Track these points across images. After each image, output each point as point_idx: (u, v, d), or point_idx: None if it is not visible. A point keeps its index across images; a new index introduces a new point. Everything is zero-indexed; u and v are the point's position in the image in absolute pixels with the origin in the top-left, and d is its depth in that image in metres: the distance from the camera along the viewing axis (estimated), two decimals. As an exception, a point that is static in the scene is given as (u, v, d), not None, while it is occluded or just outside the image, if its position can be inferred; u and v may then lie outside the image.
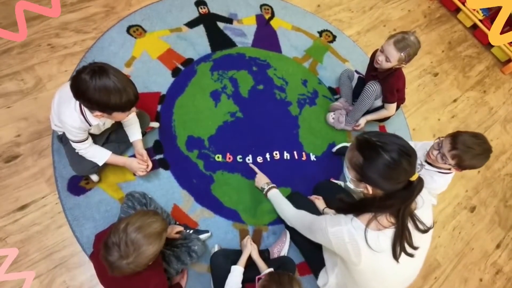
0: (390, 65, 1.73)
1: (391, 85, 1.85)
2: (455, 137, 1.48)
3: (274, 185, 1.62)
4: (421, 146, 1.74)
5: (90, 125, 1.31)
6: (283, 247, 1.56)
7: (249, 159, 1.81)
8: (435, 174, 1.60)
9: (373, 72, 1.87)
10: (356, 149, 1.07)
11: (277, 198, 1.53)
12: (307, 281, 1.57)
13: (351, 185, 1.16)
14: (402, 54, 1.67)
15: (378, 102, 1.96)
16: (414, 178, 1.00)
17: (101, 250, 1.00)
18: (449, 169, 1.57)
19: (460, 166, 1.50)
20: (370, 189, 1.08)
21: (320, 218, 1.19)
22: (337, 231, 1.09)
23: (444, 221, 2.03)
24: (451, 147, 1.48)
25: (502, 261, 2.02)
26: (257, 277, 1.35)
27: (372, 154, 1.01)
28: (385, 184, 1.03)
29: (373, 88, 1.84)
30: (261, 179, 1.67)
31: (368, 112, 2.01)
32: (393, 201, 1.02)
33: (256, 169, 1.75)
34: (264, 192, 1.61)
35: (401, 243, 1.03)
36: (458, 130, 1.52)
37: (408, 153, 0.99)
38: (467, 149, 1.45)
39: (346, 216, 1.10)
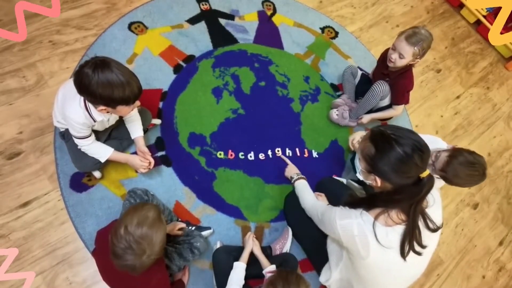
0: (405, 62, 1.71)
1: (402, 87, 1.83)
2: (450, 160, 1.42)
3: (304, 176, 1.63)
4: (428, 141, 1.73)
5: (94, 121, 1.31)
6: (285, 244, 1.56)
7: (251, 156, 1.81)
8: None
9: (384, 70, 1.84)
10: (369, 140, 1.07)
11: (302, 188, 1.53)
12: (309, 278, 1.55)
13: (360, 177, 1.17)
14: (415, 48, 1.64)
15: (383, 103, 1.95)
16: (424, 174, 1.00)
17: (113, 261, 0.99)
18: None
19: (447, 183, 1.50)
20: (379, 182, 1.07)
21: (330, 210, 1.20)
22: (346, 223, 1.09)
23: (447, 218, 2.02)
24: (442, 167, 1.45)
25: (505, 258, 2.01)
26: (265, 272, 1.35)
27: (385, 146, 1.02)
28: (395, 177, 1.02)
29: (381, 89, 1.82)
30: (292, 170, 1.69)
31: (371, 110, 2.00)
32: (401, 196, 1.02)
33: (287, 160, 1.78)
34: (292, 181, 1.62)
35: (410, 240, 1.02)
36: (459, 149, 1.46)
37: (421, 149, 0.99)
38: (455, 177, 1.42)
39: (356, 210, 1.10)
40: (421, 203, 1.03)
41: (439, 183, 1.56)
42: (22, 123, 1.60)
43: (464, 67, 2.70)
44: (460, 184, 1.48)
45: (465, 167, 1.40)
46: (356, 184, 1.80)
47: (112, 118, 1.44)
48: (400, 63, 1.72)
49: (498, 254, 2.02)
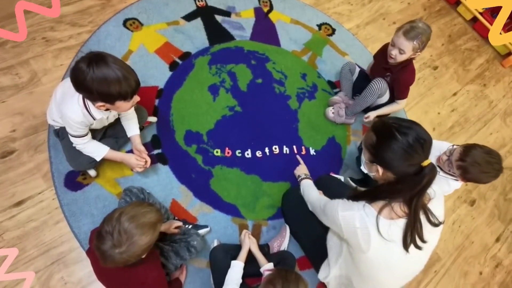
0: (405, 57, 1.70)
1: (405, 81, 1.83)
2: (467, 149, 1.44)
3: (311, 177, 1.64)
4: (434, 145, 1.71)
5: (94, 119, 1.28)
6: (283, 242, 1.55)
7: (248, 154, 1.79)
8: (449, 179, 1.55)
9: (385, 65, 1.83)
10: (371, 130, 1.10)
11: (308, 185, 1.55)
12: (307, 275, 1.56)
13: (364, 170, 1.20)
14: (415, 42, 1.64)
15: (381, 100, 1.93)
16: (426, 163, 1.00)
17: (94, 239, 0.98)
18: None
19: (465, 177, 1.48)
20: (380, 171, 1.08)
21: (333, 201, 1.20)
22: (348, 215, 1.09)
23: (444, 215, 2.02)
24: (459, 157, 1.45)
25: (502, 255, 2.02)
26: (263, 270, 1.34)
27: (386, 134, 1.04)
28: (396, 165, 1.03)
29: (379, 86, 1.81)
30: (302, 169, 1.70)
31: (369, 108, 1.99)
32: (403, 186, 1.02)
33: (301, 160, 1.79)
34: (299, 180, 1.63)
35: (412, 234, 1.02)
36: (474, 143, 1.48)
37: (423, 137, 1.01)
38: (474, 164, 1.42)
39: (358, 203, 1.11)
40: (423, 194, 1.03)
41: (454, 184, 1.54)
42: (15, 121, 1.57)
43: (461, 64, 2.71)
44: (478, 175, 1.43)
45: (483, 153, 1.42)
46: (353, 184, 1.80)
47: (111, 116, 1.41)
48: (401, 58, 1.71)
49: (495, 250, 2.02)
